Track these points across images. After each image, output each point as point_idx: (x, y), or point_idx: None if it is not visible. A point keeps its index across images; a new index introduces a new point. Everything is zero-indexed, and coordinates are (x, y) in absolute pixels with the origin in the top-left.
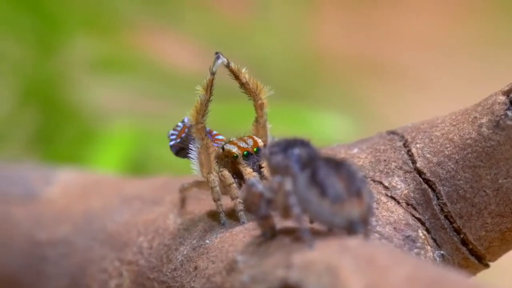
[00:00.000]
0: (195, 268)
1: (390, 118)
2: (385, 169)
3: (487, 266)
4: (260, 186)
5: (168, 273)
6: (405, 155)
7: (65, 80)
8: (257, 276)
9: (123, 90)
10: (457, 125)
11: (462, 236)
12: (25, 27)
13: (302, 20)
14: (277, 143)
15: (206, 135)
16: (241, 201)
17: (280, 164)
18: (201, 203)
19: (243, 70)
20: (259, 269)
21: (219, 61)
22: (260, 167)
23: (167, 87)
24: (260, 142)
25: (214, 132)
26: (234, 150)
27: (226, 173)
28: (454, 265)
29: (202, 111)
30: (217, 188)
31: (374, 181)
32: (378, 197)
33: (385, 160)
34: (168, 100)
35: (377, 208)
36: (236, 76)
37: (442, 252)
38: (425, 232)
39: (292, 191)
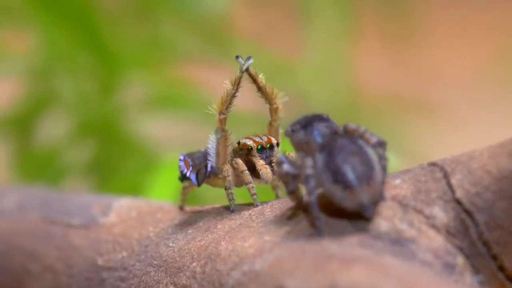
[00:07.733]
0: None
1: (428, 154)
2: (426, 199)
3: None
4: (285, 167)
5: None
6: (445, 186)
7: (123, 115)
8: None
9: (178, 123)
10: (494, 158)
11: (499, 262)
12: (84, 66)
13: (346, 59)
14: (297, 121)
15: (225, 127)
16: (253, 185)
17: (302, 140)
18: (251, 230)
19: (260, 76)
20: None
21: (249, 61)
22: (271, 162)
23: None
24: (274, 140)
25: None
26: (249, 143)
27: (240, 161)
28: None
29: (227, 103)
30: (230, 178)
31: (415, 210)
32: (418, 225)
33: (426, 190)
34: None
35: (418, 236)
36: (254, 80)
37: (480, 277)
38: (463, 259)
39: (312, 174)
